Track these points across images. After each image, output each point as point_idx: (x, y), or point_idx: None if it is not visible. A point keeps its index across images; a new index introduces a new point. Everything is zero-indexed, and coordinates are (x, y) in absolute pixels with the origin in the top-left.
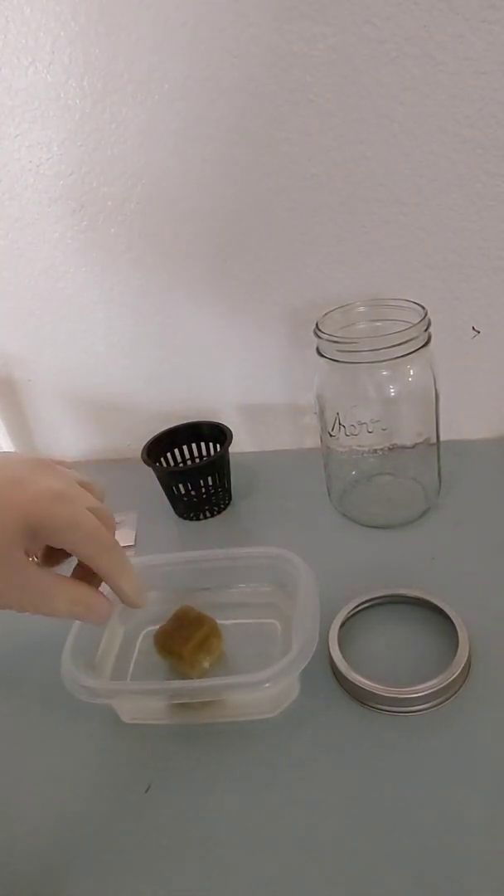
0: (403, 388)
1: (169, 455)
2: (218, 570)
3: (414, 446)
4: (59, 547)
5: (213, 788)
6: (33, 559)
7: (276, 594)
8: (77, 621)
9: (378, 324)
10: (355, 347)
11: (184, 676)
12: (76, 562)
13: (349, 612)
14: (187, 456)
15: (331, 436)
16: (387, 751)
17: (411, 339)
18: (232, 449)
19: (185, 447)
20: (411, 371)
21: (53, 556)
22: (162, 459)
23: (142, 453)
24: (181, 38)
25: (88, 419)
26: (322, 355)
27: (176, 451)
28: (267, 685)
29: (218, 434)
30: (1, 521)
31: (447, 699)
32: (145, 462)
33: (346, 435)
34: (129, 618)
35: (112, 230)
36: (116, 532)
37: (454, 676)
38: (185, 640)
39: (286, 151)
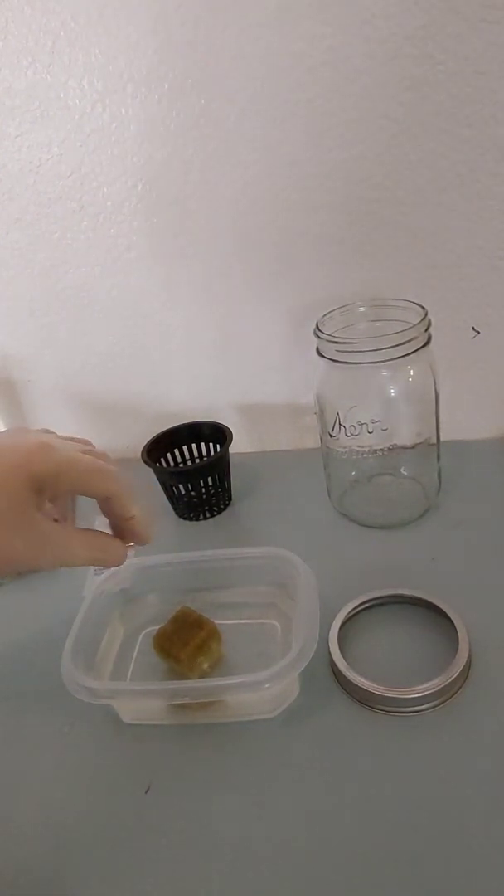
0: (403, 388)
1: (169, 455)
2: (218, 570)
3: (414, 446)
4: (66, 491)
5: (213, 788)
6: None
7: (276, 594)
8: (76, 621)
9: (378, 324)
10: (355, 348)
11: (183, 678)
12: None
13: (349, 612)
14: (187, 456)
15: (331, 436)
16: (387, 751)
17: (411, 340)
18: (232, 449)
19: (185, 447)
20: (411, 371)
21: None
22: (162, 460)
23: (142, 453)
24: (181, 38)
25: (88, 419)
26: (322, 355)
27: (176, 451)
28: (267, 685)
29: (218, 434)
30: (11, 485)
31: (447, 699)
32: (145, 462)
33: (347, 435)
34: (130, 618)
35: (112, 230)
36: None
37: (454, 676)
38: (183, 643)
39: (286, 151)
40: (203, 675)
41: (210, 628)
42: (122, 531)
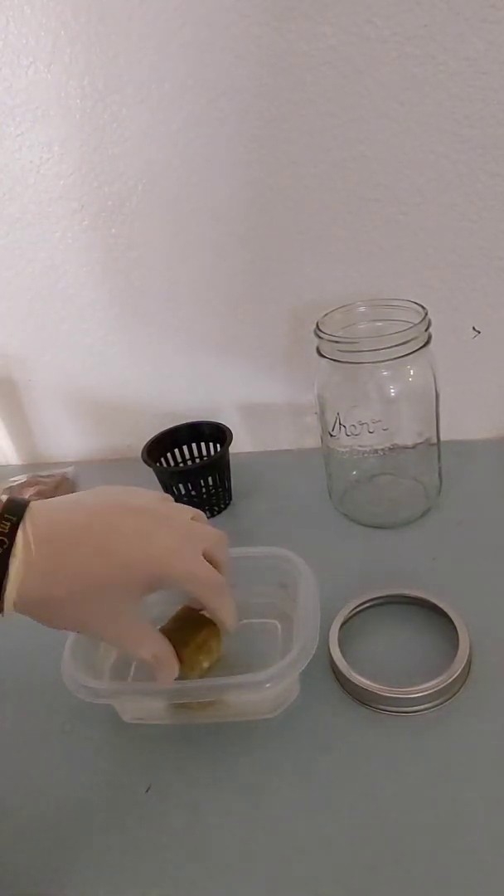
0: (404, 388)
1: (169, 455)
2: None
3: (414, 446)
4: (174, 589)
5: (213, 788)
6: None
7: (276, 594)
8: None
9: (378, 324)
10: (356, 347)
11: (183, 677)
12: None
13: (349, 612)
14: (187, 456)
15: (331, 436)
16: (387, 751)
17: (411, 339)
18: (232, 449)
19: (185, 447)
20: (411, 371)
21: None
22: (162, 459)
23: (142, 453)
24: (181, 38)
25: (88, 419)
26: (322, 355)
27: (176, 451)
28: (267, 685)
29: (218, 434)
30: (127, 578)
31: (447, 699)
32: (145, 462)
33: (347, 435)
34: None
35: (112, 230)
36: None
37: (454, 677)
38: (184, 642)
39: (286, 151)
40: (203, 675)
41: (210, 627)
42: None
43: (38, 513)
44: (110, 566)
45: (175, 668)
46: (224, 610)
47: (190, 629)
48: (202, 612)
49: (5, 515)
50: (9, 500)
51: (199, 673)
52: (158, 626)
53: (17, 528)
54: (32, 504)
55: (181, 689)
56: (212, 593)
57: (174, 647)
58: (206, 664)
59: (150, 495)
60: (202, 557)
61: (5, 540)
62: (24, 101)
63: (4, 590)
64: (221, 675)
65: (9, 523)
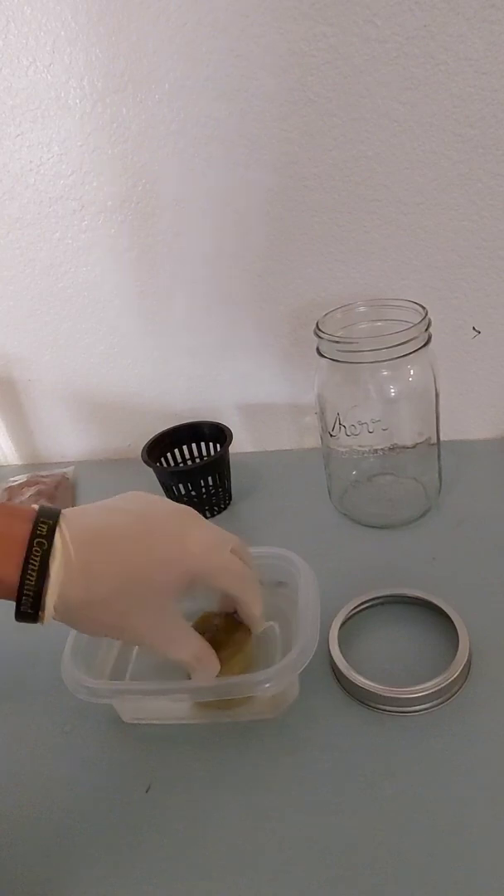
0: (404, 388)
1: (169, 455)
2: None
3: (414, 446)
4: (208, 587)
5: (213, 788)
6: None
7: (275, 594)
8: None
9: (378, 324)
10: (356, 347)
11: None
12: None
13: (349, 612)
14: (187, 456)
15: (331, 436)
16: (387, 751)
17: (411, 339)
18: (232, 449)
19: (185, 447)
20: (411, 371)
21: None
22: (162, 459)
23: (142, 453)
24: (181, 38)
25: (88, 419)
26: (322, 355)
27: (176, 451)
28: (267, 685)
29: (218, 434)
30: (166, 574)
31: (447, 699)
32: (145, 462)
33: (347, 435)
34: None
35: (112, 230)
36: None
37: (454, 676)
38: (219, 646)
39: (286, 151)
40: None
41: (242, 630)
42: (244, 614)
43: (73, 517)
44: (150, 562)
45: (216, 667)
46: (257, 603)
47: (223, 633)
48: (231, 614)
49: (41, 520)
50: (42, 507)
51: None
52: None
53: (54, 531)
54: (65, 510)
55: (181, 689)
56: (246, 586)
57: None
58: (238, 668)
59: (170, 505)
60: (232, 554)
61: (44, 542)
62: (24, 101)
63: (46, 592)
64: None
65: (45, 526)
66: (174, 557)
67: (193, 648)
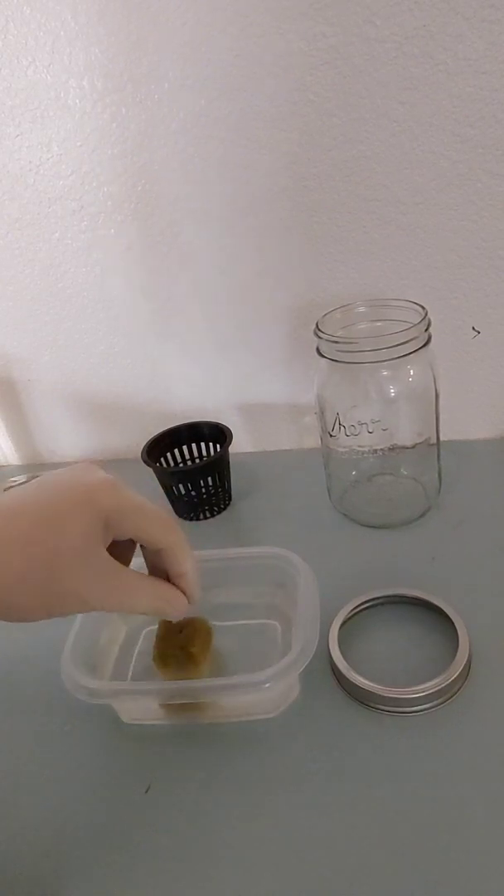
0: (403, 388)
1: (169, 455)
2: (217, 570)
3: (414, 446)
4: (127, 534)
5: (213, 788)
6: None
7: (276, 594)
8: (77, 622)
9: (378, 324)
10: (355, 347)
11: (187, 676)
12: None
13: (349, 612)
14: (187, 456)
15: (331, 436)
16: (387, 751)
17: (411, 339)
18: (232, 449)
19: (185, 447)
20: (411, 371)
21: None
22: (162, 459)
23: (142, 453)
24: (181, 38)
25: (88, 419)
26: (322, 355)
27: (176, 451)
28: (267, 685)
29: (218, 434)
30: (82, 520)
31: (447, 699)
32: (145, 462)
33: (347, 435)
34: (130, 618)
35: (112, 230)
36: None
37: (454, 676)
38: (182, 645)
39: (286, 151)
40: (206, 665)
41: (196, 620)
42: (175, 575)
43: None
44: (58, 506)
45: (183, 599)
46: (182, 545)
47: (189, 628)
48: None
49: None
50: None
51: (202, 664)
52: (157, 626)
53: None
54: None
55: (181, 690)
56: (166, 528)
57: (171, 649)
58: (203, 655)
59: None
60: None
61: None
62: (23, 101)
63: None
64: (222, 675)
65: None
66: (81, 498)
67: (151, 590)
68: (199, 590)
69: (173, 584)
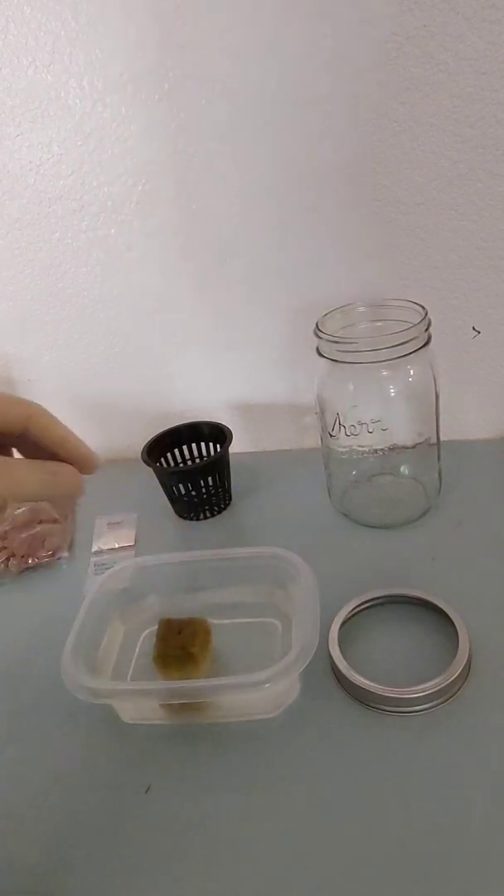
0: (403, 388)
1: (169, 455)
2: (218, 570)
3: (414, 446)
4: (8, 423)
5: (213, 788)
6: None
7: (276, 594)
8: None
9: (378, 324)
10: (355, 348)
11: (187, 676)
12: None
13: (349, 612)
14: (187, 456)
15: (331, 436)
16: (387, 751)
17: (411, 340)
18: (232, 449)
19: (185, 447)
20: (411, 371)
21: None
22: (162, 459)
23: (142, 453)
24: (181, 38)
25: (88, 419)
26: (322, 355)
27: (176, 451)
28: (267, 685)
29: (218, 434)
30: None
31: (447, 699)
32: (145, 462)
33: (347, 435)
34: (130, 618)
35: (112, 230)
36: (117, 532)
37: (454, 676)
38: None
39: (285, 152)
40: (207, 662)
41: (196, 621)
42: (62, 461)
43: None
44: None
45: (70, 468)
46: (42, 412)
47: (187, 626)
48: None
49: None
50: None
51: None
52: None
53: None
54: None
55: (181, 689)
56: (12, 402)
57: (171, 649)
58: (203, 655)
59: None
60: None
61: None
62: (23, 101)
63: None
64: (221, 675)
65: None
66: None
67: (36, 469)
68: (89, 448)
69: (63, 456)
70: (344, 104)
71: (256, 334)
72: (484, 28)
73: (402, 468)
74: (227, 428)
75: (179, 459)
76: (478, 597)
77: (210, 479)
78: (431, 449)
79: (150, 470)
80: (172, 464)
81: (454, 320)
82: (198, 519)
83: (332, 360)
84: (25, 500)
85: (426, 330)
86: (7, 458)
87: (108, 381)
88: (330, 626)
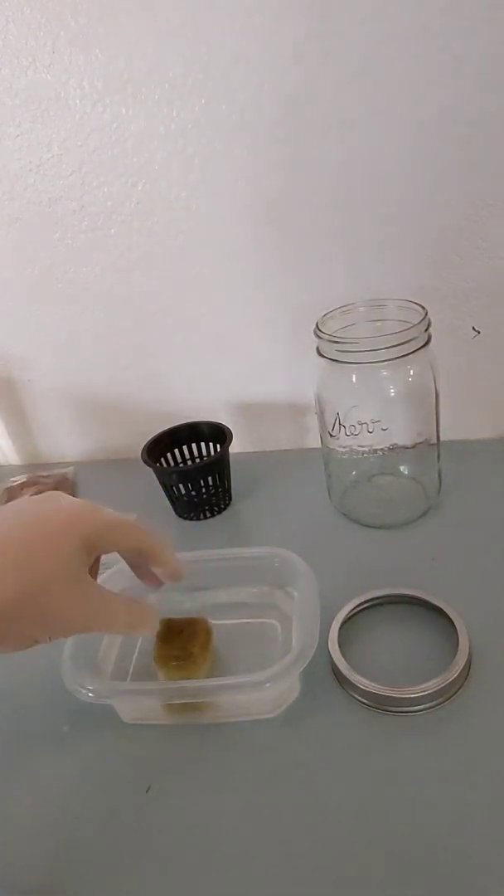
0: (403, 388)
1: (169, 455)
2: (218, 570)
3: (414, 446)
4: (109, 550)
5: (213, 788)
6: None
7: (276, 594)
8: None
9: (378, 324)
10: (355, 347)
11: (189, 675)
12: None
13: (349, 612)
14: (187, 456)
15: (331, 436)
16: (387, 751)
17: (411, 339)
18: (232, 449)
19: (185, 447)
20: (411, 371)
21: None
22: (162, 459)
23: (142, 453)
24: (181, 38)
25: (88, 419)
26: (322, 355)
27: (176, 451)
28: (267, 685)
29: (218, 434)
30: (65, 546)
31: (447, 699)
32: (145, 462)
33: (347, 435)
34: None
35: (112, 230)
36: None
37: (454, 676)
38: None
39: (286, 151)
40: (206, 665)
41: (197, 621)
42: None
43: None
44: (45, 533)
45: (155, 616)
46: (166, 547)
47: (188, 626)
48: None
49: None
50: None
51: (202, 664)
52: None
53: None
54: None
55: (181, 690)
56: (144, 535)
57: (171, 649)
58: (203, 655)
59: (33, 498)
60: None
61: None
62: (23, 101)
63: None
64: (221, 675)
65: None
66: (66, 524)
67: (127, 611)
68: (183, 566)
69: (158, 574)
70: (344, 104)
71: (257, 334)
72: (485, 28)
73: (401, 468)
74: (227, 428)
75: (179, 459)
76: (478, 597)
77: (210, 479)
78: (431, 449)
79: (150, 470)
80: (172, 464)
81: (454, 320)
82: (198, 519)
83: (333, 360)
84: (108, 633)
85: (426, 330)
86: (112, 596)
87: (109, 380)
88: (330, 626)
